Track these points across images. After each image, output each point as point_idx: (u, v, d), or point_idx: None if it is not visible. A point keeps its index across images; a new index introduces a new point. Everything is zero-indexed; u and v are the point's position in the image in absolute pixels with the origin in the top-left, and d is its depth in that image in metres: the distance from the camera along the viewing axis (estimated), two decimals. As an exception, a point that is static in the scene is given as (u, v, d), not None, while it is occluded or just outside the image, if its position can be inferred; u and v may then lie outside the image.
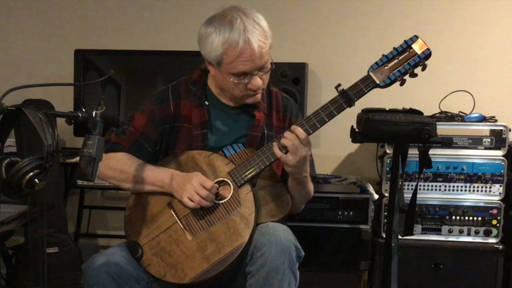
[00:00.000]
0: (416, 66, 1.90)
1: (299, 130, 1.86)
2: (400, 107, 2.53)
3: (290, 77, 3.10)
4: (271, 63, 1.97)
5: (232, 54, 1.89)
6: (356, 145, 3.37)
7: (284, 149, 1.87)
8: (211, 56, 1.94)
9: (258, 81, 1.95)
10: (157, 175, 1.98)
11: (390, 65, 1.90)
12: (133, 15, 3.53)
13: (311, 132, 1.90)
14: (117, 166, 2.00)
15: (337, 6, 3.38)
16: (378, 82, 1.89)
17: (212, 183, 1.92)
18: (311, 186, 2.09)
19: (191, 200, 1.89)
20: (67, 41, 3.53)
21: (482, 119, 2.89)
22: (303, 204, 2.12)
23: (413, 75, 1.91)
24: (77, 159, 1.65)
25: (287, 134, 1.87)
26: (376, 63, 1.91)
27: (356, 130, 2.33)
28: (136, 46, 3.42)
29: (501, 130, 2.79)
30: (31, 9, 3.61)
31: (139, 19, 3.53)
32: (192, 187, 1.89)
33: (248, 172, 1.94)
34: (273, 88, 2.15)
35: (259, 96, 2.02)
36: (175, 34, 3.45)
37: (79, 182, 3.15)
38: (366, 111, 2.37)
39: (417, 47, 1.90)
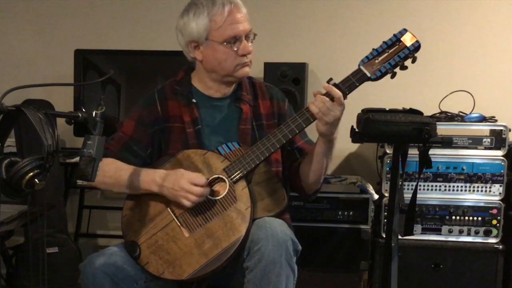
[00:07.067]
0: (406, 58, 1.92)
1: (327, 93, 1.89)
2: (400, 107, 2.52)
3: (290, 77, 3.10)
4: (254, 33, 2.05)
5: (219, 20, 1.98)
6: (356, 145, 3.36)
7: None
8: (198, 31, 2.00)
9: (248, 46, 2.02)
10: (144, 181, 1.97)
11: (380, 58, 1.93)
12: (133, 15, 3.54)
13: (305, 126, 1.94)
14: (105, 171, 1.98)
15: (337, 6, 3.38)
16: (369, 75, 1.91)
17: (203, 178, 1.92)
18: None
19: (188, 201, 1.90)
20: (67, 41, 3.53)
21: (482, 119, 2.89)
22: (322, 177, 2.11)
23: (403, 67, 1.93)
24: (77, 159, 1.65)
25: (317, 97, 1.90)
26: (366, 56, 1.93)
27: (356, 130, 2.32)
28: (136, 46, 3.42)
29: (501, 130, 2.79)
30: (31, 9, 3.61)
31: (139, 19, 3.53)
32: (183, 189, 1.90)
33: (243, 168, 1.95)
34: (255, 80, 2.20)
35: (248, 68, 2.06)
36: (175, 34, 3.44)
37: (79, 182, 3.13)
38: (366, 111, 2.37)
39: (407, 40, 1.92)
